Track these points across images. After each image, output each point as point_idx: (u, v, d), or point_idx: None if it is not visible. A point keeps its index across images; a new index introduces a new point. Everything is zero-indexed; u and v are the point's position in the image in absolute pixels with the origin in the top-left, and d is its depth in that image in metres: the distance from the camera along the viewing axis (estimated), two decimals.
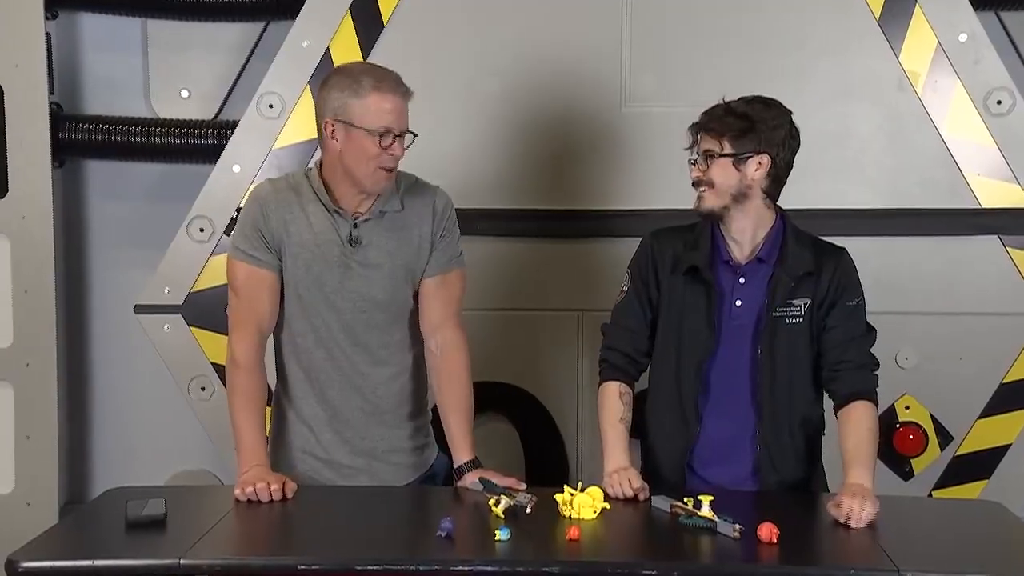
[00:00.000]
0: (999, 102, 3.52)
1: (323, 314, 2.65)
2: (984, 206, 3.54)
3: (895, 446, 3.56)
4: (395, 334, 2.72)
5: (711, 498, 2.32)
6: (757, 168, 2.57)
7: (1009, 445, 3.60)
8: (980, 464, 3.61)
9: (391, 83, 2.55)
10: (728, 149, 2.56)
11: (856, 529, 2.32)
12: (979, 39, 3.52)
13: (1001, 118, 3.52)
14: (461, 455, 2.70)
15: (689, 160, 2.64)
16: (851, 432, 2.55)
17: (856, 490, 2.39)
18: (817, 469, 2.74)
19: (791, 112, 2.62)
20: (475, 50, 3.63)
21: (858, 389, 2.59)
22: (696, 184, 2.62)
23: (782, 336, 2.61)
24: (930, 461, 3.62)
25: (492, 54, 3.64)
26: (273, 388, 2.79)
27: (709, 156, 2.58)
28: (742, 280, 2.63)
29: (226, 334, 3.60)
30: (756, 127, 2.55)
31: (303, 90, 3.64)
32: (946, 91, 3.53)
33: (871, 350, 2.64)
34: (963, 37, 3.51)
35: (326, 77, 2.66)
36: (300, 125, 3.65)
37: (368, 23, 3.63)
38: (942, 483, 3.61)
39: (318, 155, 3.52)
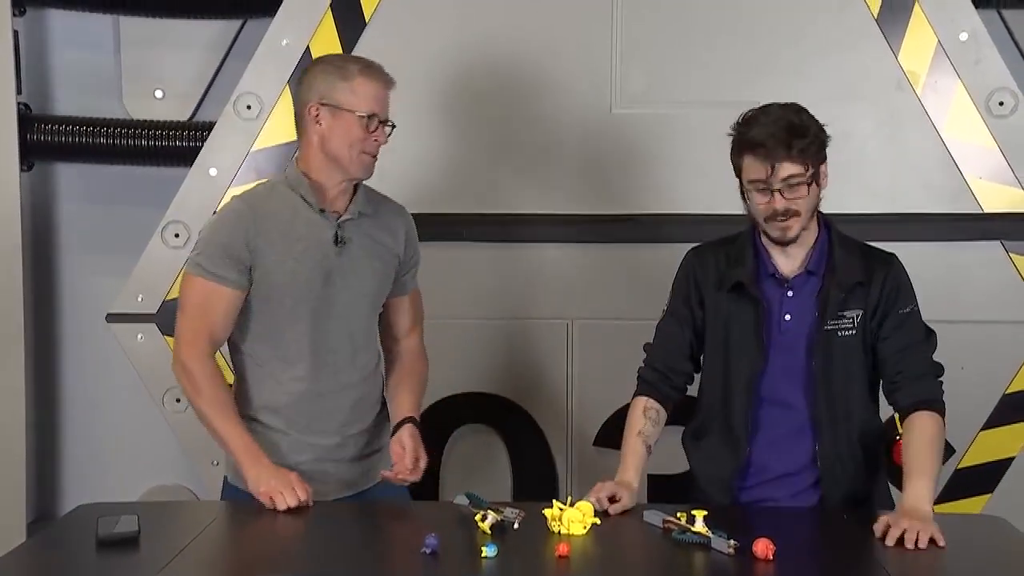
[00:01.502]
0: (1001, 103, 3.48)
1: (306, 322, 2.62)
2: (986, 210, 3.50)
3: (895, 459, 3.46)
4: (372, 335, 2.76)
5: (705, 513, 2.27)
6: (824, 178, 2.53)
7: (1013, 458, 3.56)
8: (983, 478, 3.57)
9: (376, 70, 2.63)
10: (811, 170, 2.47)
11: (886, 544, 2.26)
12: (980, 38, 3.48)
13: (1003, 119, 3.48)
14: (404, 412, 2.74)
15: (758, 188, 2.47)
16: (912, 443, 2.49)
17: (912, 513, 2.32)
18: (879, 483, 2.70)
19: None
20: (460, 50, 3.59)
21: (920, 399, 2.53)
22: (783, 215, 2.47)
23: (836, 349, 2.54)
24: None
25: (478, 54, 3.59)
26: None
27: (793, 183, 2.45)
28: (790, 293, 2.57)
29: None
30: (820, 138, 2.49)
31: (282, 90, 3.60)
32: (946, 92, 3.49)
33: (934, 356, 2.59)
34: (964, 36, 3.48)
35: (307, 66, 2.69)
36: (279, 126, 3.59)
37: (350, 21, 3.59)
38: (943, 497, 3.54)
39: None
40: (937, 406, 2.54)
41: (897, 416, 2.59)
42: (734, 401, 2.59)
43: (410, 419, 2.72)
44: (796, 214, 2.47)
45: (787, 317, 2.56)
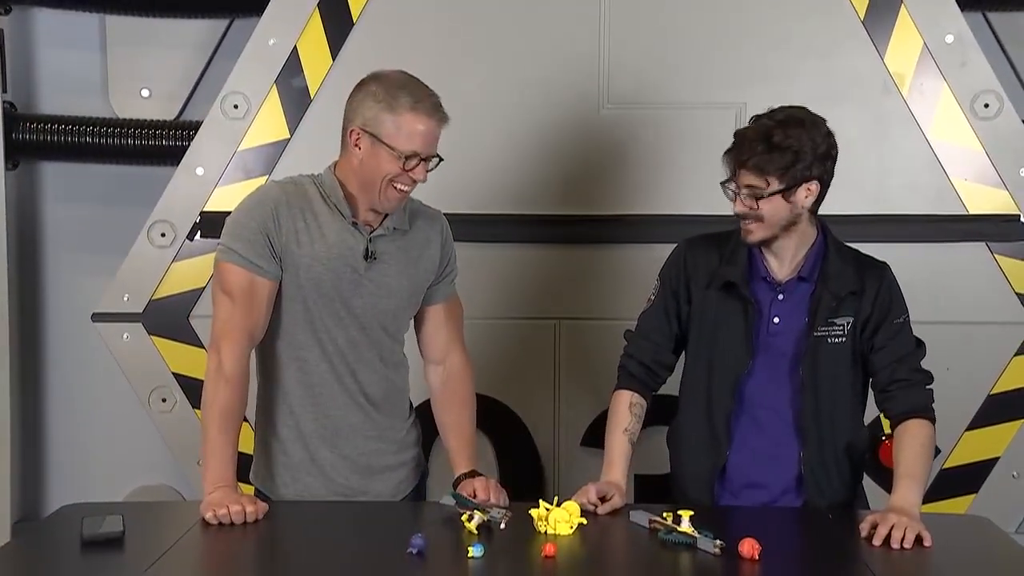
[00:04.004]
0: (986, 105, 3.49)
1: (330, 328, 2.55)
2: (971, 212, 3.51)
3: (880, 460, 3.49)
4: (397, 352, 2.68)
5: (691, 513, 2.26)
6: (807, 195, 2.47)
7: (997, 458, 3.57)
8: (967, 478, 3.58)
9: (429, 106, 2.47)
10: (776, 186, 2.43)
11: (875, 546, 2.26)
12: (966, 40, 3.50)
13: (988, 121, 3.49)
14: (459, 468, 2.65)
15: (729, 189, 2.50)
16: (904, 446, 2.49)
17: (899, 511, 2.32)
18: (858, 490, 2.69)
19: (825, 121, 2.49)
20: (449, 51, 3.58)
21: (912, 407, 2.53)
22: (743, 218, 2.49)
23: (825, 357, 2.53)
24: None
25: (466, 55, 3.59)
26: (258, 401, 2.66)
27: (754, 194, 2.44)
28: (780, 296, 2.55)
29: (188, 343, 3.60)
30: (801, 157, 2.42)
31: (269, 90, 3.59)
32: (932, 94, 3.51)
33: (922, 364, 2.58)
34: (949, 38, 3.49)
35: (363, 81, 2.51)
36: (266, 126, 3.59)
37: (337, 21, 3.58)
38: (928, 498, 3.49)
39: (286, 159, 3.61)
40: (929, 414, 2.53)
41: (889, 424, 2.57)
42: (716, 401, 2.58)
43: (468, 474, 2.61)
44: (758, 219, 2.46)
45: (776, 320, 2.54)
